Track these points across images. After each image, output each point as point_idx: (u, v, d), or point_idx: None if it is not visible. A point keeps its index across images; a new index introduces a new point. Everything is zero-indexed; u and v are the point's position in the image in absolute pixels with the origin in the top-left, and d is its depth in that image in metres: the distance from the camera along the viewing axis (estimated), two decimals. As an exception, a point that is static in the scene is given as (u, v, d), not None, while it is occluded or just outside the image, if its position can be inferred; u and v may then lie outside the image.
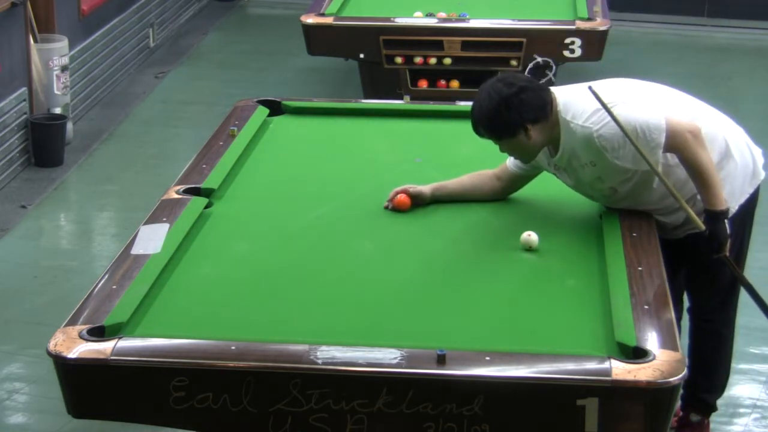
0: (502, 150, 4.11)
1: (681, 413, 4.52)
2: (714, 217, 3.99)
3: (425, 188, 4.29)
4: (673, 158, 4.03)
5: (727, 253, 4.05)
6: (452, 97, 6.67)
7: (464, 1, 7.85)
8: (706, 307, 4.36)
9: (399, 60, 7.26)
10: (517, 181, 4.34)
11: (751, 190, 4.23)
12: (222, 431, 3.26)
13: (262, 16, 11.02)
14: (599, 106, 3.90)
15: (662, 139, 3.93)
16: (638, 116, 3.91)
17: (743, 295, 4.32)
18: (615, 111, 3.87)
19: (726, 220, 4.00)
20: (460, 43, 7.23)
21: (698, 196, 4.04)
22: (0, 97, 6.95)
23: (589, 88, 3.92)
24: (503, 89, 3.95)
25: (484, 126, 4.01)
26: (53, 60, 7.39)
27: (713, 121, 4.18)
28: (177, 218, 4.10)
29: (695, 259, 4.23)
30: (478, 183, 4.35)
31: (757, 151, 4.29)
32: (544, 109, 3.98)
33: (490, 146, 5.03)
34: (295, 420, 3.22)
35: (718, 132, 4.13)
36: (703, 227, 3.98)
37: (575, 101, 4.01)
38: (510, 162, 4.29)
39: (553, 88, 4.08)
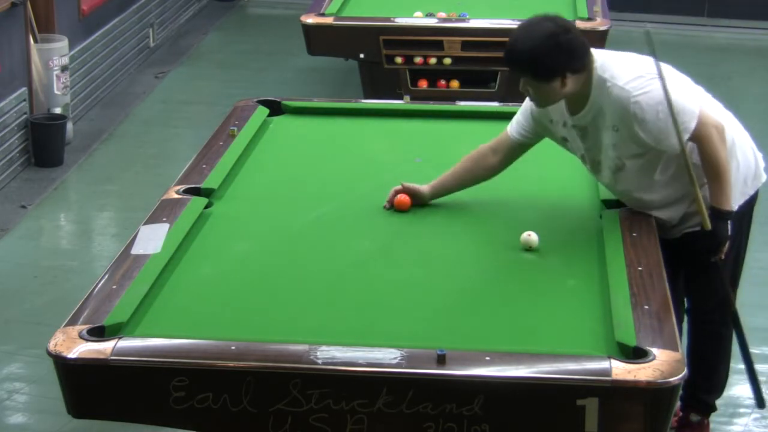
0: (523, 89, 3.98)
1: (681, 413, 4.53)
2: (719, 215, 3.99)
3: (423, 188, 4.28)
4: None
5: (723, 257, 4.05)
6: (452, 97, 6.68)
7: (464, 1, 7.85)
8: (704, 307, 4.36)
9: (399, 60, 7.26)
10: (516, 150, 4.26)
11: (751, 192, 4.23)
12: (222, 431, 3.26)
13: (262, 16, 11.02)
14: (640, 73, 3.87)
15: (692, 125, 3.91)
16: (676, 96, 3.87)
17: (743, 295, 4.32)
18: (654, 85, 3.85)
19: (729, 222, 4.01)
20: (460, 43, 7.23)
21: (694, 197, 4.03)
22: (0, 97, 6.95)
23: (652, 57, 3.87)
24: (553, 27, 3.85)
25: (524, 60, 3.88)
26: (53, 60, 7.39)
27: (725, 119, 4.18)
28: (177, 218, 4.10)
29: (693, 259, 4.22)
30: (473, 167, 4.29)
31: (759, 155, 4.29)
32: (583, 60, 3.92)
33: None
34: (295, 420, 3.21)
35: (728, 131, 4.13)
36: (709, 223, 3.97)
37: (616, 63, 3.96)
38: (512, 129, 4.23)
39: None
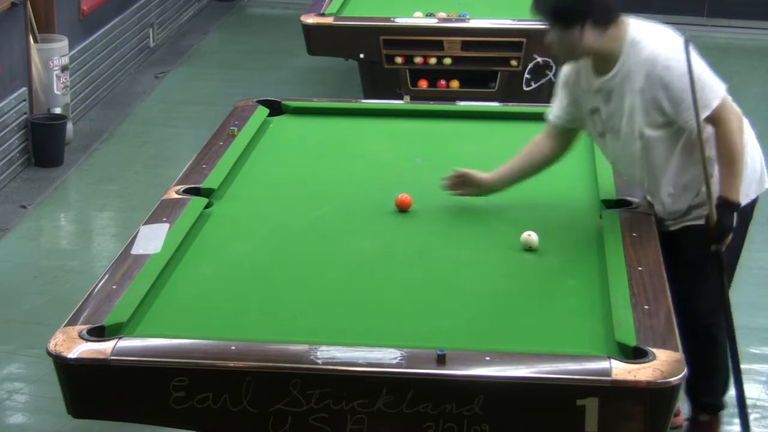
0: (548, 38, 4.04)
1: (690, 414, 4.51)
2: (727, 205, 4.00)
3: (484, 176, 4.30)
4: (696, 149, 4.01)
5: (724, 248, 4.04)
6: (452, 97, 6.67)
7: (464, 1, 7.85)
8: (699, 310, 4.33)
9: (399, 60, 7.25)
10: (560, 135, 4.31)
11: (753, 196, 4.23)
12: (222, 431, 3.26)
13: (262, 16, 11.02)
14: (673, 42, 3.95)
15: (714, 104, 3.95)
16: (704, 74, 3.95)
17: (743, 295, 4.32)
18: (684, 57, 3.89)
19: (735, 214, 4.01)
20: (460, 43, 7.23)
21: (702, 189, 4.03)
22: (0, 97, 6.95)
23: (684, 39, 3.91)
24: None
25: (547, 3, 3.98)
26: (53, 60, 7.39)
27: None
28: (177, 218, 4.10)
29: (690, 256, 4.21)
30: (532, 157, 4.34)
31: (764, 161, 4.30)
32: (610, 15, 3.97)
33: (490, 146, 5.04)
34: (295, 420, 3.22)
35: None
36: (715, 212, 3.97)
37: (651, 29, 4.04)
38: (550, 115, 4.29)
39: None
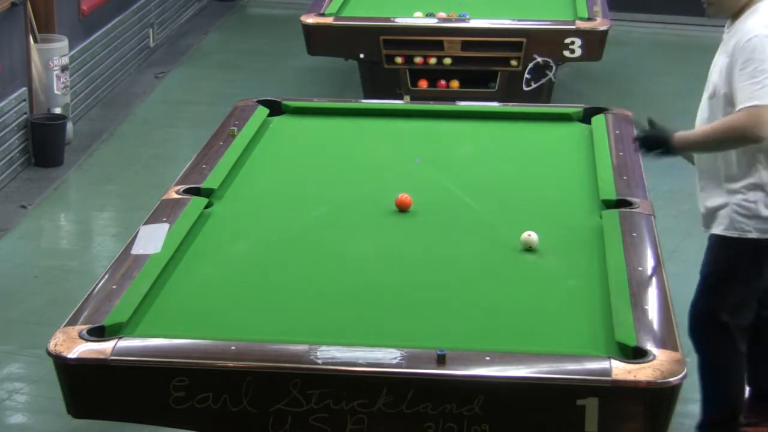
0: None
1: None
2: (668, 139, 4.08)
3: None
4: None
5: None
6: (452, 97, 6.68)
7: (464, 1, 7.85)
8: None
9: (399, 60, 7.26)
10: None
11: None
12: (222, 431, 3.26)
13: (262, 16, 11.02)
14: None
15: (747, 104, 3.92)
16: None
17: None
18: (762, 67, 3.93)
19: (663, 148, 4.10)
20: (460, 43, 7.23)
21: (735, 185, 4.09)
22: (0, 97, 6.95)
23: None
24: None
25: None
26: (53, 60, 7.39)
27: None
28: (177, 218, 4.10)
29: None
30: None
31: None
32: None
33: (490, 146, 5.04)
34: (295, 420, 3.21)
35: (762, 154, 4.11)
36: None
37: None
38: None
39: None
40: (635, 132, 4.12)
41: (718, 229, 4.15)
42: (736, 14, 4.14)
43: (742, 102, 3.95)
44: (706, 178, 4.19)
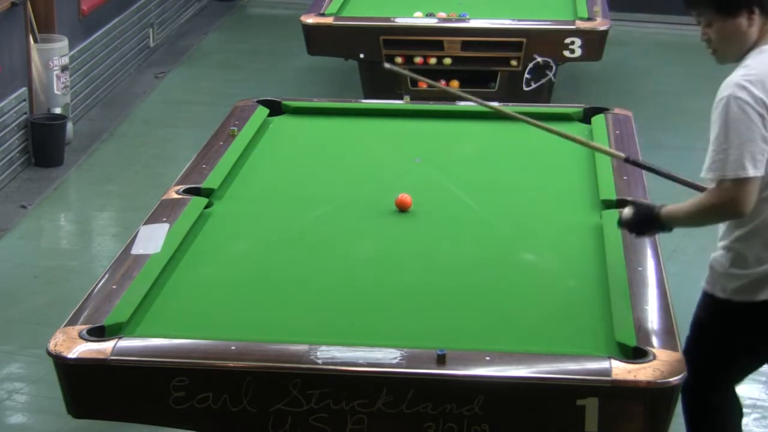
0: (703, 36, 3.51)
1: None
2: (656, 217, 3.62)
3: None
4: None
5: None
6: (452, 97, 6.66)
7: (464, 1, 7.85)
8: None
9: (399, 60, 7.25)
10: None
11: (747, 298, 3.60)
12: (222, 431, 3.26)
13: (262, 16, 11.02)
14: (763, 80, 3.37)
15: (715, 174, 3.39)
16: (735, 139, 3.35)
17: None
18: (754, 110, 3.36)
19: (648, 226, 3.67)
20: (460, 43, 7.23)
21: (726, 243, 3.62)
22: (0, 97, 6.95)
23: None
24: None
25: None
26: (53, 60, 7.39)
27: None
28: (177, 218, 4.10)
29: None
30: None
31: None
32: None
33: (490, 147, 5.04)
34: (295, 420, 3.21)
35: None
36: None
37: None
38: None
39: None
40: (624, 216, 3.68)
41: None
42: (746, 53, 3.52)
43: (708, 169, 3.41)
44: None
